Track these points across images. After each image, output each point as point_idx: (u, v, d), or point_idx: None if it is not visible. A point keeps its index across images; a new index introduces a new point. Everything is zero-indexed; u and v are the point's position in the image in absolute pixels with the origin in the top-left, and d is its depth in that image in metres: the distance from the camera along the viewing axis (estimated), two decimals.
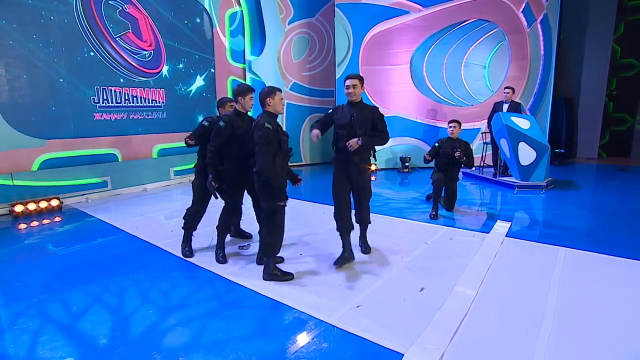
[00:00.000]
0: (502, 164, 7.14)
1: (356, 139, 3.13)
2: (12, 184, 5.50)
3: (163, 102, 7.42)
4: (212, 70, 8.34)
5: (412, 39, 8.96)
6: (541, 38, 8.71)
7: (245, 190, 3.62)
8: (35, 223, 5.08)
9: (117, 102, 6.71)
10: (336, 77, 9.26)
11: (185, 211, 3.78)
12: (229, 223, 3.68)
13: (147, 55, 7.08)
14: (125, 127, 6.88)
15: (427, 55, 9.21)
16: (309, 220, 4.84)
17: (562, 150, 9.51)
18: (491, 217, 4.91)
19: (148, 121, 7.21)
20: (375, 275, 3.20)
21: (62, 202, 5.78)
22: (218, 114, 3.78)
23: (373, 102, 8.89)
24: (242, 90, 3.35)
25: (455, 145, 4.89)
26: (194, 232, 3.84)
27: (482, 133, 8.05)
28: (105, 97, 6.54)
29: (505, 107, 7.05)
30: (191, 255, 3.71)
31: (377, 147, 3.47)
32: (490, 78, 9.38)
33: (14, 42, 5.46)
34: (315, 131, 3.33)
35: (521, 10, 8.61)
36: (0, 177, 5.41)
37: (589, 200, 5.98)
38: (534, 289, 2.90)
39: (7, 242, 4.33)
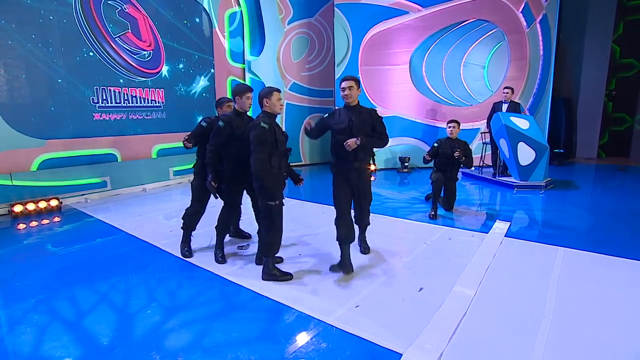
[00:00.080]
0: (501, 164, 7.14)
1: (354, 139, 3.05)
2: (11, 184, 5.49)
3: (162, 102, 7.42)
4: (212, 70, 8.34)
5: (412, 39, 8.96)
6: (540, 38, 8.72)
7: (245, 190, 3.63)
8: (34, 223, 5.08)
9: (116, 102, 6.71)
10: (335, 77, 9.27)
11: (184, 211, 3.78)
12: (228, 223, 3.68)
13: (146, 56, 7.08)
14: (125, 127, 6.88)
15: (426, 56, 9.21)
16: (308, 221, 4.84)
17: (562, 150, 9.52)
18: (490, 217, 4.91)
19: (147, 121, 7.21)
20: (374, 275, 3.20)
21: (61, 202, 5.78)
22: (217, 115, 3.78)
23: (372, 102, 8.91)
24: (239, 90, 3.36)
25: (455, 145, 4.89)
26: (193, 232, 3.85)
27: (481, 133, 8.06)
28: (104, 97, 6.54)
29: (505, 107, 7.05)
30: (190, 256, 3.71)
31: (375, 149, 3.41)
32: (489, 78, 9.39)
33: (13, 42, 5.46)
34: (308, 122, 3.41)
35: (520, 10, 8.62)
36: None
37: (588, 200, 5.99)
38: (532, 289, 2.90)
39: (6, 242, 4.33)
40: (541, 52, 8.77)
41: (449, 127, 4.99)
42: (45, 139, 5.88)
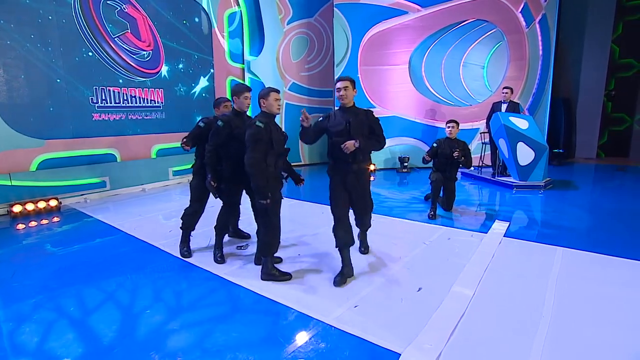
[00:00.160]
0: (500, 164, 7.15)
1: (353, 141, 2.94)
2: (10, 184, 5.49)
3: (162, 103, 7.42)
4: (211, 70, 8.34)
5: (411, 39, 8.97)
6: (540, 38, 8.73)
7: (244, 190, 3.63)
8: (33, 223, 5.08)
9: (115, 103, 6.71)
10: (335, 78, 9.27)
11: (183, 211, 3.78)
12: (227, 223, 3.68)
13: (145, 56, 7.08)
14: (124, 128, 6.88)
15: (425, 56, 9.22)
16: (307, 221, 4.84)
17: (561, 150, 9.53)
18: (489, 217, 4.91)
19: (147, 121, 7.21)
20: (373, 275, 3.20)
21: (60, 203, 5.77)
22: (215, 115, 3.79)
23: (372, 102, 8.91)
24: (237, 90, 3.37)
25: (454, 145, 4.89)
26: (193, 232, 3.85)
27: (480, 133, 8.06)
28: (103, 98, 6.54)
29: (504, 107, 7.06)
30: (189, 256, 3.71)
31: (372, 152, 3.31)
32: (488, 78, 9.39)
33: (12, 42, 5.45)
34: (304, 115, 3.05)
35: (520, 10, 8.62)
36: None
37: (587, 200, 5.99)
38: (531, 289, 2.90)
39: (6, 242, 4.33)
40: (540, 52, 8.77)
41: (448, 127, 4.99)
42: (45, 139, 5.87)
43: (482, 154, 7.67)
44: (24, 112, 5.65)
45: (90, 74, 6.33)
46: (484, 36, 9.11)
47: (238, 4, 8.86)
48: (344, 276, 3.08)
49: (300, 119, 3.02)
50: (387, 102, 9.14)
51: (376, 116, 3.19)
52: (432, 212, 4.92)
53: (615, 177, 7.84)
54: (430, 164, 5.17)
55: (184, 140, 3.64)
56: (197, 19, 7.94)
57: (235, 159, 3.34)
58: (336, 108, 3.27)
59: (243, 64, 9.17)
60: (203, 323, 2.52)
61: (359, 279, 3.13)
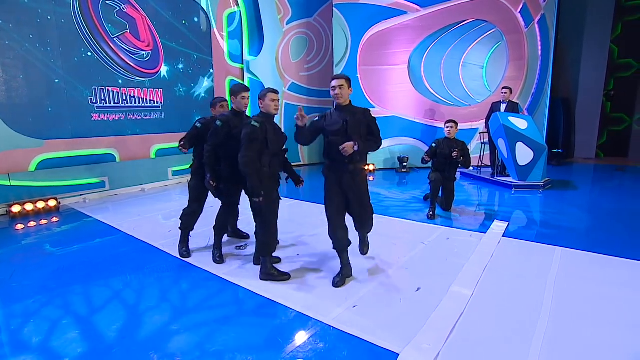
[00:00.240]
0: (499, 164, 7.15)
1: (352, 143, 2.84)
2: (9, 184, 5.49)
3: (161, 103, 7.42)
4: (211, 70, 8.34)
5: (410, 39, 8.97)
6: (539, 38, 8.73)
7: (243, 190, 3.63)
8: (32, 223, 5.07)
9: (114, 103, 6.71)
10: None
11: (182, 211, 3.78)
12: (226, 223, 3.69)
13: (145, 56, 7.08)
14: (123, 128, 6.87)
15: (425, 56, 9.22)
16: (306, 221, 4.84)
17: (560, 150, 9.53)
18: (488, 217, 4.92)
19: (146, 121, 7.21)
20: (372, 275, 3.20)
21: (59, 203, 5.77)
22: (212, 115, 3.79)
23: (371, 102, 8.91)
24: (234, 90, 3.39)
25: (453, 145, 4.90)
26: (192, 233, 3.85)
27: (479, 133, 8.06)
28: (102, 98, 6.54)
29: (503, 107, 7.06)
30: (188, 256, 3.71)
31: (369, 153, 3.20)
32: (488, 78, 9.40)
33: (11, 42, 5.45)
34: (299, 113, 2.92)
35: (519, 10, 8.63)
36: None
37: (586, 200, 6.00)
38: (530, 289, 2.90)
39: (5, 242, 4.33)
40: (539, 52, 8.77)
41: (447, 127, 5.00)
42: (44, 139, 5.87)
43: (482, 154, 7.68)
44: (23, 112, 5.65)
45: (90, 74, 6.33)
46: (483, 36, 9.12)
47: (237, 4, 8.86)
48: (342, 276, 3.07)
49: (295, 117, 2.89)
50: (386, 102, 9.14)
51: (373, 116, 3.09)
52: (431, 212, 4.93)
53: (614, 177, 7.85)
54: (430, 164, 5.18)
55: (182, 142, 3.64)
56: (196, 19, 7.94)
57: (234, 159, 3.33)
58: (332, 108, 3.16)
59: (242, 64, 9.17)
60: (202, 323, 2.52)
61: (358, 279, 3.13)
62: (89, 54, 6.29)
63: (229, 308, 2.74)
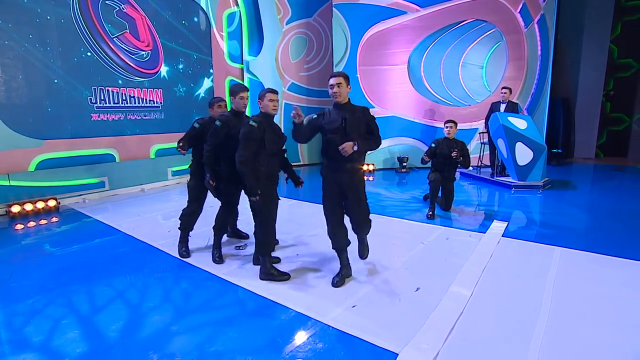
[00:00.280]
0: (499, 164, 7.15)
1: (351, 143, 2.79)
2: (9, 184, 5.49)
3: (161, 103, 7.42)
4: (210, 70, 8.34)
5: (410, 39, 8.98)
6: (538, 38, 8.74)
7: (242, 191, 3.63)
8: (32, 223, 5.07)
9: (114, 103, 6.71)
10: None
11: (181, 212, 3.78)
12: (226, 223, 3.69)
13: (144, 56, 7.08)
14: (123, 128, 6.87)
15: (424, 56, 9.23)
16: (306, 221, 4.84)
17: (560, 150, 9.54)
18: (488, 217, 4.92)
19: (146, 121, 7.21)
20: (371, 275, 3.20)
21: (59, 203, 5.77)
22: (210, 115, 3.79)
23: (371, 102, 8.91)
24: (233, 90, 3.41)
25: (452, 145, 4.90)
26: (191, 233, 3.85)
27: (479, 133, 8.07)
28: (102, 98, 6.53)
29: (503, 107, 7.06)
30: (188, 256, 3.71)
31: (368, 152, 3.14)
32: (487, 78, 9.40)
33: (10, 42, 5.45)
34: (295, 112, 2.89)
35: (518, 10, 8.63)
36: None
37: (585, 200, 6.00)
38: (529, 289, 2.91)
39: (4, 242, 4.33)
40: (539, 52, 8.78)
41: (446, 127, 5.00)
42: (43, 139, 5.87)
43: (481, 154, 7.68)
44: (23, 112, 5.65)
45: (89, 74, 6.33)
46: (482, 36, 9.12)
47: (237, 4, 8.86)
48: (342, 276, 3.07)
49: (292, 114, 2.88)
50: (386, 102, 9.14)
51: (372, 114, 3.05)
52: (431, 212, 4.93)
53: (613, 177, 7.85)
54: (429, 164, 5.18)
55: (180, 144, 3.63)
56: (195, 19, 7.94)
57: (233, 159, 3.34)
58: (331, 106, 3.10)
59: (242, 64, 9.17)
60: (202, 323, 2.52)
61: (357, 279, 3.13)
62: (89, 54, 6.29)
63: (228, 308, 2.74)
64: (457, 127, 5.09)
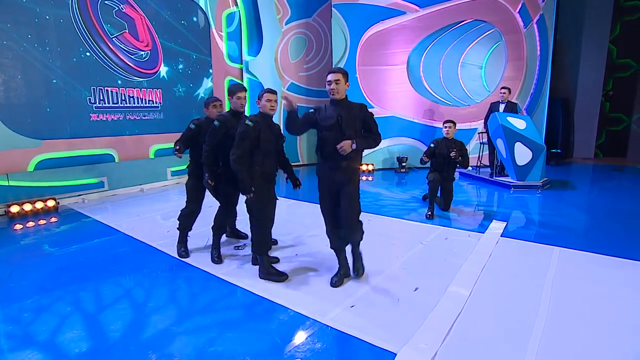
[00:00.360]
0: (498, 164, 7.16)
1: (350, 141, 2.74)
2: (7, 184, 5.48)
3: (160, 103, 7.41)
4: (210, 70, 8.34)
5: (409, 40, 8.98)
6: (537, 38, 8.75)
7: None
8: (31, 223, 5.07)
9: (113, 103, 6.70)
10: None
11: (180, 212, 3.78)
12: (224, 223, 3.70)
13: (144, 56, 7.07)
14: (122, 128, 6.87)
15: (424, 56, 9.23)
16: (305, 221, 4.84)
17: (559, 150, 9.55)
18: (487, 217, 4.92)
19: (145, 122, 7.20)
20: (370, 275, 3.20)
21: (58, 203, 5.77)
22: (206, 115, 3.80)
23: (370, 102, 8.91)
24: (231, 90, 3.43)
25: (451, 145, 4.91)
26: (190, 233, 3.85)
27: (478, 133, 8.07)
28: (101, 98, 6.53)
29: (502, 107, 7.07)
30: (187, 256, 3.71)
31: (366, 150, 3.11)
32: (486, 78, 9.41)
33: (9, 42, 5.44)
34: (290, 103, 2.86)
35: (517, 10, 8.64)
36: None
37: (585, 200, 6.01)
38: (528, 289, 2.91)
39: (3, 242, 4.32)
40: (538, 53, 8.79)
41: (445, 127, 5.00)
42: (42, 139, 5.86)
43: (480, 154, 7.69)
44: (22, 113, 5.64)
45: (88, 74, 6.32)
46: (482, 36, 9.13)
47: (236, 4, 8.86)
48: (340, 276, 3.07)
49: (285, 104, 2.85)
50: (385, 102, 9.14)
51: (371, 112, 3.01)
52: (430, 212, 4.93)
53: (612, 177, 7.86)
54: (428, 164, 5.19)
55: (177, 147, 3.61)
56: (195, 19, 7.93)
57: None
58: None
59: (241, 64, 9.17)
60: (200, 323, 2.52)
61: (356, 279, 3.13)
62: (88, 54, 6.28)
63: (227, 308, 2.74)
64: (456, 127, 5.09)
